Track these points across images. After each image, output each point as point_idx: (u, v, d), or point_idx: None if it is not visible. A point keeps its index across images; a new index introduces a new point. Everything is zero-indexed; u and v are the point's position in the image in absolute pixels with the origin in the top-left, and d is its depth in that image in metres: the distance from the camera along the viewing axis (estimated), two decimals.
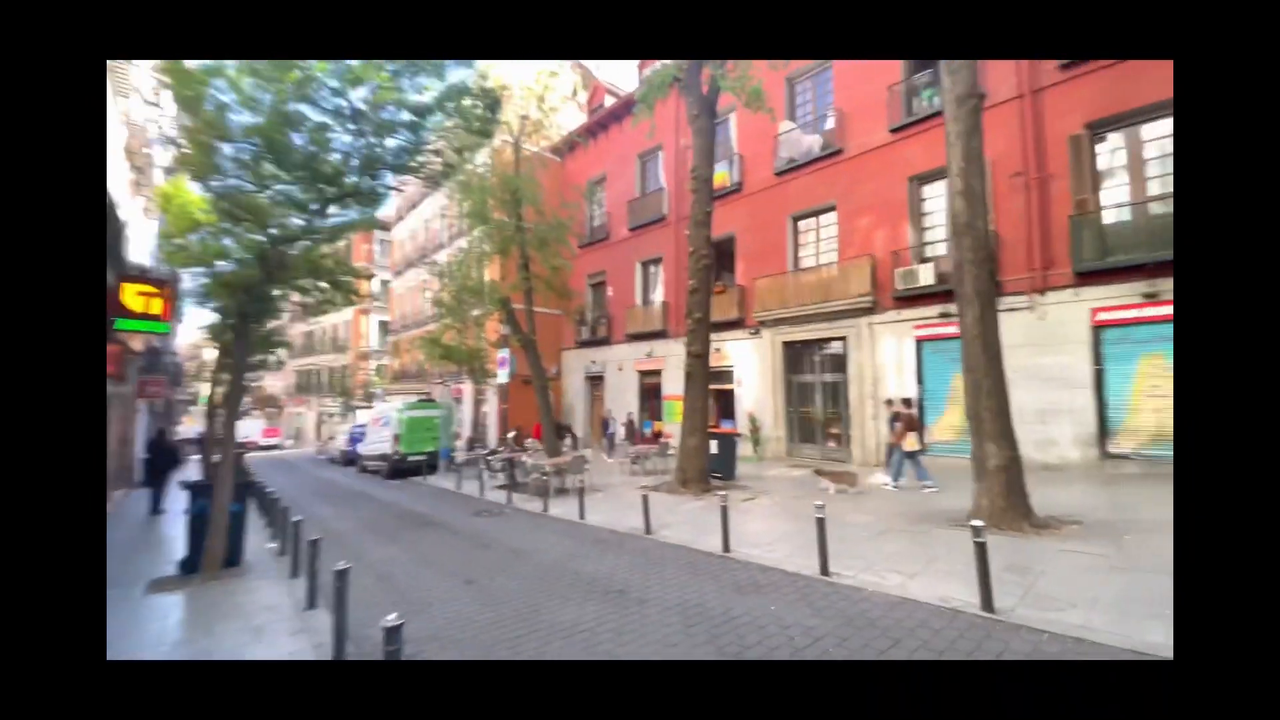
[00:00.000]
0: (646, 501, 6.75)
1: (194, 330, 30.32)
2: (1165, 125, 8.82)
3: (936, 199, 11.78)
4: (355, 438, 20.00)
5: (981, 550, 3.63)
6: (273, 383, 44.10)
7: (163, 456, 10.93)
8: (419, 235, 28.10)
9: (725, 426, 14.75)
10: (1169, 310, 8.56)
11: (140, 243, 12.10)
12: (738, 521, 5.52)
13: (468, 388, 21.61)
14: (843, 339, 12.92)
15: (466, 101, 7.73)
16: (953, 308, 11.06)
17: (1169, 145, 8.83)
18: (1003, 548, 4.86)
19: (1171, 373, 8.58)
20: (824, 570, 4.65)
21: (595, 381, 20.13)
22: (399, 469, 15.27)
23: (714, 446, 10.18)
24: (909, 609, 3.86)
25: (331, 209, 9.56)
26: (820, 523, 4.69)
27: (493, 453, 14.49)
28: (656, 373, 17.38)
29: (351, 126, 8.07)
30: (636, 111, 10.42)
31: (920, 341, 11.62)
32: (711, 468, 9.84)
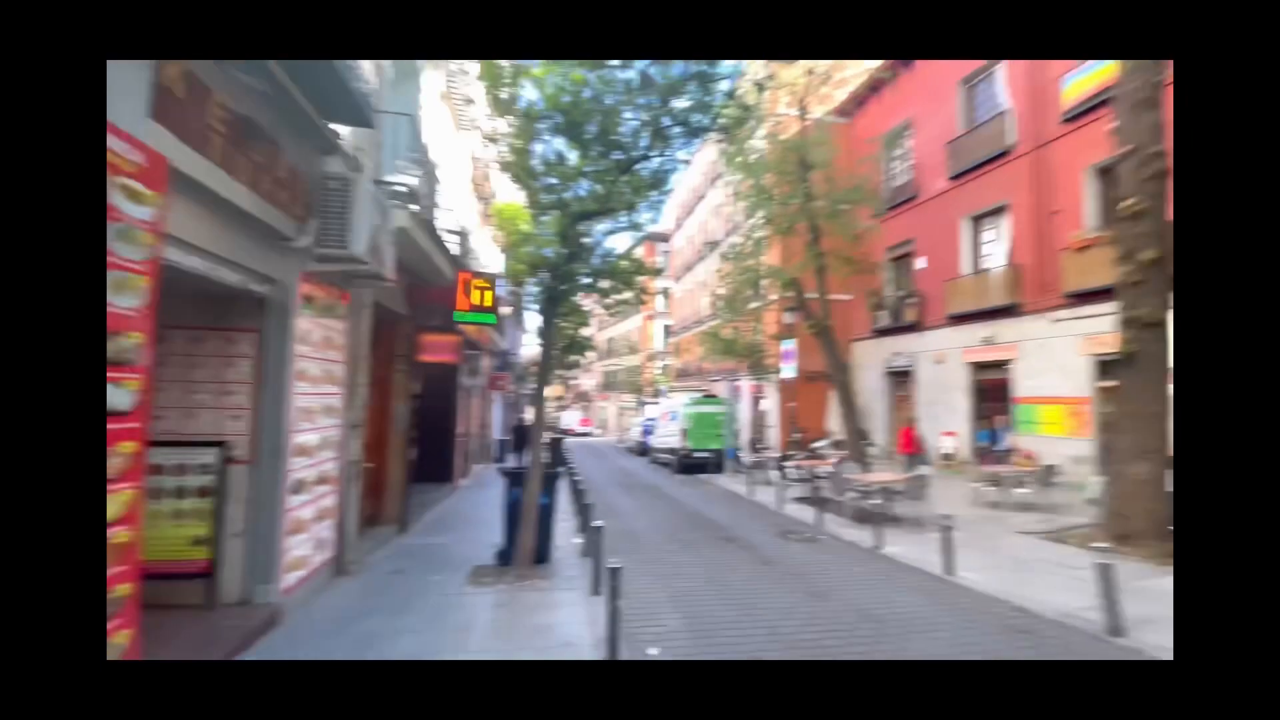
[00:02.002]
0: (1109, 574, 3.83)
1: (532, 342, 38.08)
2: None
3: None
4: (647, 429, 21.19)
5: None
6: (585, 381, 52.67)
7: (521, 438, 13.46)
8: (695, 239, 28.73)
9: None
10: None
11: (484, 255, 14.65)
12: None
13: (745, 385, 20.54)
14: None
15: None
16: None
17: None
18: None
19: None
20: None
21: (898, 378, 16.40)
22: (686, 464, 15.04)
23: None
24: None
25: (625, 190, 9.24)
26: None
27: (785, 457, 12.74)
28: (1001, 365, 12.79)
29: (641, 100, 7.55)
30: None
31: None
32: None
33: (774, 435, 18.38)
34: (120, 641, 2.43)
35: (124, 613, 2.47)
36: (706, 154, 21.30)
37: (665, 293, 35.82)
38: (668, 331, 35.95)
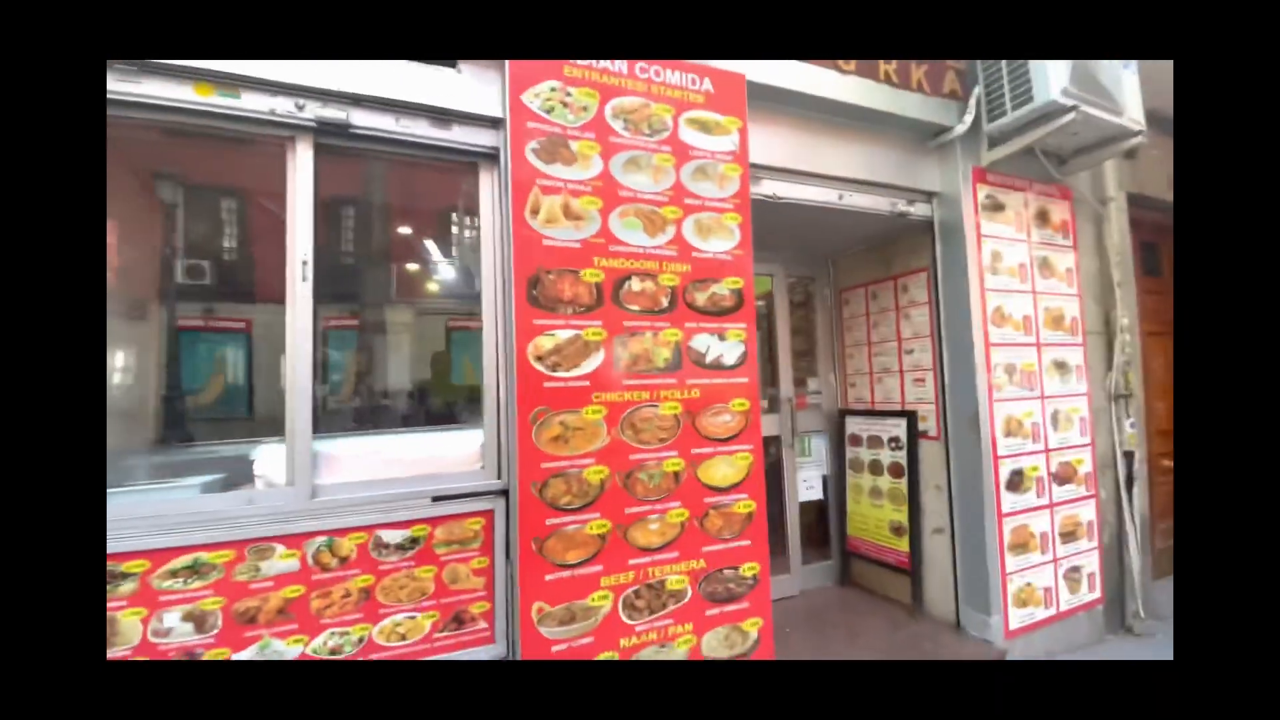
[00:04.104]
0: None
1: None
2: None
3: None
4: None
5: None
6: None
7: None
8: None
9: None
10: None
11: None
12: None
13: None
14: None
15: None
16: None
17: None
18: None
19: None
20: None
21: None
22: None
23: None
24: None
25: None
26: None
27: None
28: None
29: None
30: None
31: None
32: None
33: None
34: (749, 629, 2.06)
35: (754, 595, 2.09)
36: None
37: None
38: None
